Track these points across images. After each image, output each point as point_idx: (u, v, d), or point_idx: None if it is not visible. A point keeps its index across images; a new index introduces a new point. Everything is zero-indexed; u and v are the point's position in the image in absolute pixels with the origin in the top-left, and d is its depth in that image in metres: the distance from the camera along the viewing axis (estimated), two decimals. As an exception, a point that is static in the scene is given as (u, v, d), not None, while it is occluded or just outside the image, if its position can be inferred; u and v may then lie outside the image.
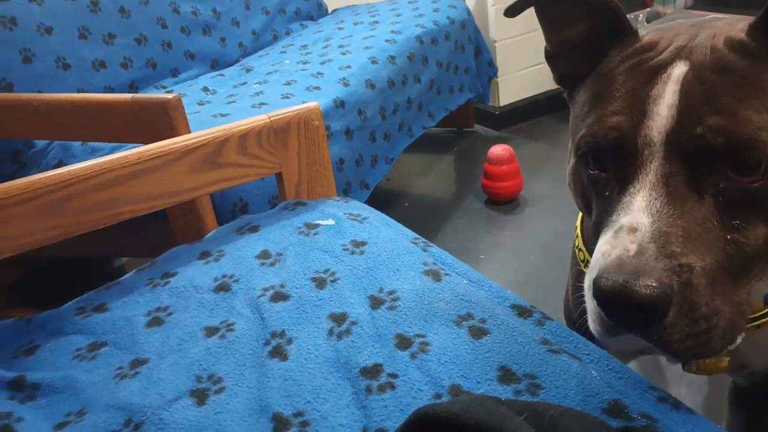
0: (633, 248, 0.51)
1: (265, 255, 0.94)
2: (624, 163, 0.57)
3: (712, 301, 0.51)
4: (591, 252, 0.77)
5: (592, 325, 0.58)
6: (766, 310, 0.67)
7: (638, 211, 0.53)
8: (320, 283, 0.86)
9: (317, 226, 0.99)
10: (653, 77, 0.57)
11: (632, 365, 0.78)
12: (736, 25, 0.59)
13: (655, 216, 0.52)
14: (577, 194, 0.66)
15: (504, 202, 2.20)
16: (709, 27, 0.60)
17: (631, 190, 0.55)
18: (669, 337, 0.51)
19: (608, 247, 0.53)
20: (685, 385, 1.35)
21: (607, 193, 0.59)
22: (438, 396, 0.66)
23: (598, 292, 0.52)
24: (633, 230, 0.52)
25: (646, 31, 0.63)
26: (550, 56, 0.72)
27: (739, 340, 0.55)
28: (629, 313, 0.51)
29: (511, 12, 0.70)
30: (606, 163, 0.59)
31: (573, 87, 0.69)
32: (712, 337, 0.52)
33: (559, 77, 0.72)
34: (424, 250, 0.92)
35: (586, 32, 0.66)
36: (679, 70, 0.56)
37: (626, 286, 0.49)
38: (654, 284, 0.49)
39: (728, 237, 0.53)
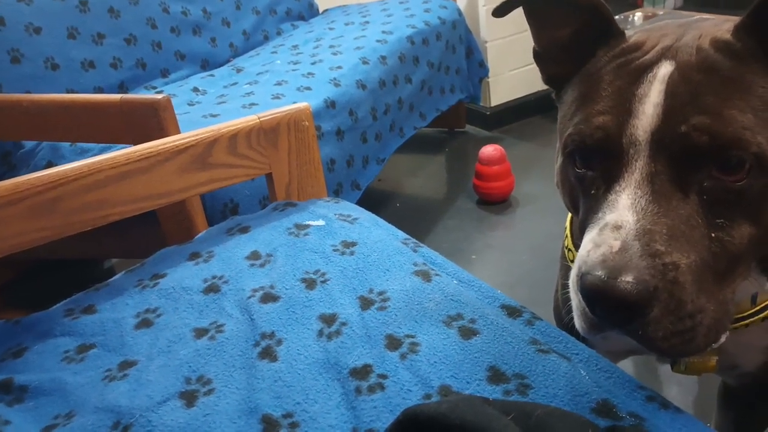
0: (617, 245, 0.51)
1: (254, 256, 0.93)
2: (610, 162, 0.57)
3: (698, 299, 0.52)
4: (579, 252, 0.77)
5: (577, 321, 0.58)
6: (753, 310, 0.67)
7: (623, 209, 0.53)
8: (310, 283, 0.86)
9: (307, 226, 0.98)
10: (639, 77, 0.57)
11: (625, 365, 0.79)
12: (722, 26, 0.59)
13: (639, 214, 0.53)
14: (565, 193, 0.66)
15: (495, 203, 2.21)
16: (695, 28, 0.60)
17: (617, 188, 0.55)
18: (653, 334, 0.52)
19: (592, 244, 0.53)
20: (676, 385, 1.35)
21: (593, 192, 0.59)
22: (428, 396, 0.66)
23: (581, 288, 0.52)
24: (617, 228, 0.52)
25: (633, 32, 0.64)
26: (539, 57, 0.72)
27: (722, 338, 0.55)
28: (612, 309, 0.51)
29: (499, 12, 0.70)
30: (592, 161, 0.59)
31: (561, 87, 0.69)
32: (696, 335, 0.52)
33: (547, 77, 0.72)
34: (414, 251, 0.92)
35: (574, 33, 0.67)
36: (665, 69, 0.56)
37: (608, 282, 0.50)
38: (635, 281, 0.49)
39: (713, 235, 0.53)
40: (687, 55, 0.56)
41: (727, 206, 0.54)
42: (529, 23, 0.70)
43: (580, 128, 0.59)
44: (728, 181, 0.53)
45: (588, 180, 0.60)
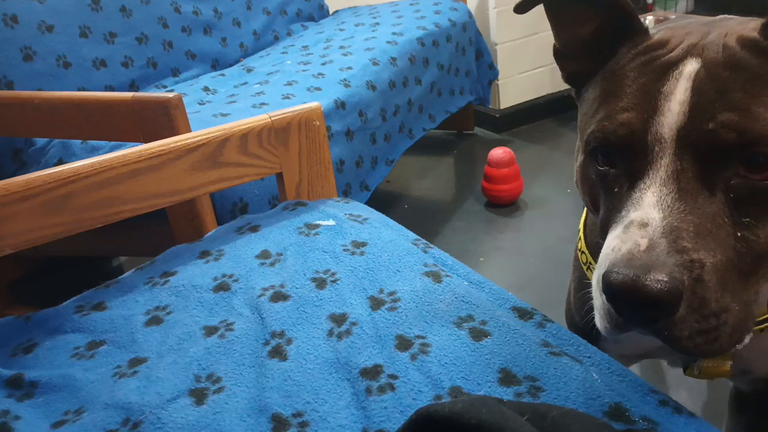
0: (644, 243, 0.51)
1: (265, 255, 0.93)
2: (634, 160, 0.56)
3: (722, 298, 0.51)
4: (593, 254, 0.76)
5: (599, 321, 0.57)
6: None
7: (649, 207, 0.53)
8: (320, 283, 0.85)
9: (318, 226, 0.98)
10: (664, 74, 0.56)
11: (633, 369, 0.78)
12: (747, 24, 0.59)
13: (666, 211, 0.52)
14: (585, 191, 0.66)
15: (504, 205, 2.20)
16: (720, 26, 0.60)
17: (641, 186, 0.55)
18: (678, 334, 0.51)
19: (618, 242, 0.52)
20: (685, 390, 1.35)
21: (616, 190, 0.58)
22: (438, 397, 0.66)
23: (608, 287, 0.51)
24: (643, 225, 0.52)
25: (656, 30, 0.63)
26: (559, 54, 0.71)
27: (746, 339, 0.54)
28: (639, 308, 0.50)
29: (521, 8, 0.69)
30: (615, 159, 0.59)
31: (581, 85, 0.68)
32: (721, 335, 0.52)
33: (567, 75, 0.71)
34: (425, 252, 0.92)
35: (596, 30, 0.66)
36: (691, 66, 0.56)
37: (637, 280, 0.49)
38: (665, 279, 0.49)
39: (738, 234, 0.53)
40: (713, 52, 0.56)
41: (754, 205, 0.53)
42: (549, 20, 0.70)
43: (604, 125, 0.58)
44: (755, 179, 0.52)
45: (610, 178, 0.59)
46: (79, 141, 1.45)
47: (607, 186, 0.60)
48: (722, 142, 0.52)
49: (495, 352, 0.70)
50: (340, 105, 1.64)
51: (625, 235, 0.52)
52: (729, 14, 0.68)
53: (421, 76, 2.10)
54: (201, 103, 1.72)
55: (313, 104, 1.09)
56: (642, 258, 0.50)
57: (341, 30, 2.28)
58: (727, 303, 0.51)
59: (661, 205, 0.52)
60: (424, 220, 2.19)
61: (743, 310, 0.53)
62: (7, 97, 1.32)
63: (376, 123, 1.80)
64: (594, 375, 0.66)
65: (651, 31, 0.63)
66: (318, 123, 1.09)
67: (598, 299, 0.56)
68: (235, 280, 0.88)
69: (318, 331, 0.77)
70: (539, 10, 0.71)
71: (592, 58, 0.66)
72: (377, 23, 2.27)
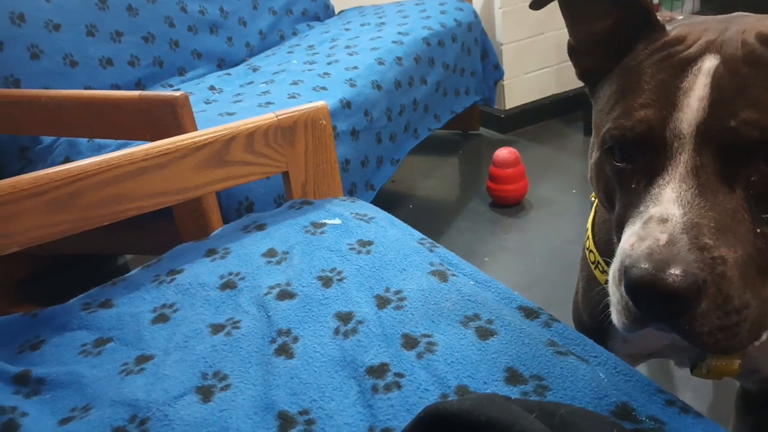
0: (663, 238, 0.51)
1: (271, 253, 0.93)
2: (652, 156, 0.56)
3: (744, 295, 0.51)
4: (603, 253, 0.76)
5: (616, 317, 0.57)
6: None
7: (668, 202, 0.53)
8: (326, 281, 0.85)
9: (324, 225, 0.98)
10: (683, 70, 0.56)
11: (639, 369, 0.78)
12: (765, 20, 0.58)
13: (686, 207, 0.52)
14: (600, 187, 0.65)
15: (509, 205, 2.20)
16: (737, 23, 0.59)
17: (660, 182, 0.55)
18: (699, 329, 0.51)
19: (636, 237, 0.52)
20: (690, 391, 1.34)
21: (633, 186, 0.58)
22: (444, 396, 0.66)
23: (629, 281, 0.51)
24: (663, 221, 0.52)
25: (672, 27, 0.63)
26: (573, 50, 0.71)
27: (764, 336, 0.54)
28: (659, 302, 0.50)
29: (537, 4, 0.69)
30: (633, 155, 0.58)
31: (595, 82, 0.68)
32: (740, 331, 0.52)
33: (580, 72, 0.71)
34: (431, 251, 0.92)
35: (612, 26, 0.65)
36: (710, 63, 0.55)
37: (657, 275, 0.49)
38: (685, 273, 0.49)
39: (758, 231, 0.53)
40: (732, 48, 0.56)
41: None
42: (564, 15, 0.69)
43: (621, 122, 0.58)
44: None
45: (627, 174, 0.59)
46: (86, 139, 1.45)
47: (624, 182, 0.59)
48: (744, 139, 0.52)
49: (501, 351, 0.70)
50: (346, 104, 1.64)
51: (644, 230, 0.52)
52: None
53: (426, 75, 2.10)
54: (207, 102, 1.72)
55: (320, 103, 1.09)
56: (662, 253, 0.50)
57: (347, 30, 2.28)
58: (748, 299, 0.52)
59: (681, 201, 0.52)
60: (429, 220, 2.19)
61: (762, 306, 0.53)
62: (13, 96, 1.32)
63: (382, 122, 1.80)
64: (600, 374, 0.66)
65: (667, 28, 0.63)
66: (324, 122, 1.09)
67: (615, 294, 0.56)
68: (242, 279, 0.88)
69: (324, 330, 0.77)
70: (544, 9, 0.70)
71: (606, 55, 0.65)
72: (383, 23, 2.27)
